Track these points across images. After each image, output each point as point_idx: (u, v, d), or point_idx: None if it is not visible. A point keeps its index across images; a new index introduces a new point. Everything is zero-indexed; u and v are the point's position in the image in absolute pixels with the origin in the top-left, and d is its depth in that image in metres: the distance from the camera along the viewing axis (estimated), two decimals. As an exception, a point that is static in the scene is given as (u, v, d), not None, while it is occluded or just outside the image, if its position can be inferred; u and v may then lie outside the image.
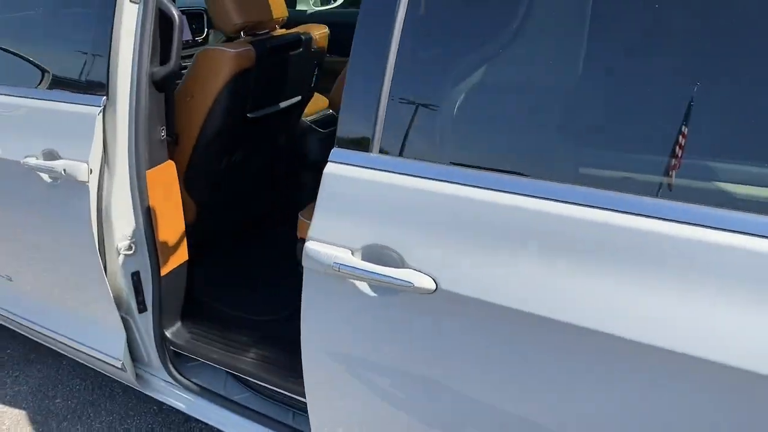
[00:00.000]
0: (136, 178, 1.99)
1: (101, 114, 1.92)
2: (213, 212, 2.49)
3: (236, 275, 2.59)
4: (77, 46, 1.95)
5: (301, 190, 2.94)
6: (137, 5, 1.89)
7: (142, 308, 2.16)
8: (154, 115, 1.98)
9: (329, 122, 2.93)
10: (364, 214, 1.29)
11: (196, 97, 2.17)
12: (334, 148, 1.35)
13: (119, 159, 1.98)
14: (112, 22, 1.88)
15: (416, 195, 1.23)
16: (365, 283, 1.29)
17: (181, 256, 2.21)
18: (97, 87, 1.92)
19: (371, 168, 1.29)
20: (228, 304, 2.41)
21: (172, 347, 2.23)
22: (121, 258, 2.08)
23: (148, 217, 2.04)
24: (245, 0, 2.19)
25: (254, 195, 2.78)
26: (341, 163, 1.33)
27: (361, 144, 1.32)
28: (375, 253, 1.27)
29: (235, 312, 2.37)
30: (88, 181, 1.94)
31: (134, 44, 1.90)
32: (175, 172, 2.11)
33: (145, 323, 2.18)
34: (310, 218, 2.18)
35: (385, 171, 1.28)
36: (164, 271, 2.14)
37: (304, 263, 1.35)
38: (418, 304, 1.22)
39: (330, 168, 1.34)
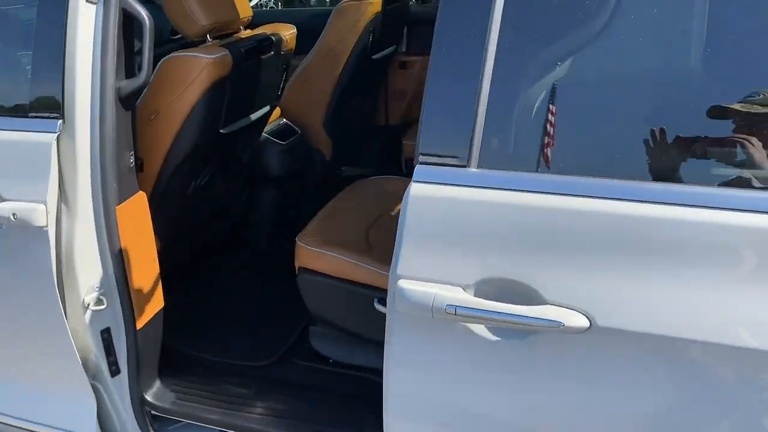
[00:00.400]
0: (104, 216, 1.64)
1: (57, 141, 1.55)
2: (179, 245, 2.14)
3: (214, 314, 2.25)
4: (21, 59, 1.56)
5: (268, 209, 2.63)
6: (95, 5, 1.54)
7: (114, 370, 1.80)
8: (122, 138, 1.64)
9: (286, 133, 2.64)
10: (473, 243, 1.07)
11: (163, 113, 1.83)
12: (418, 166, 1.12)
13: (81, 195, 1.62)
14: (65, 28, 1.52)
15: (542, 215, 1.03)
16: (481, 325, 1.07)
17: (158, 302, 1.87)
18: (50, 108, 1.55)
19: (473, 186, 1.08)
20: (210, 350, 2.08)
21: (153, 412, 1.88)
22: (88, 314, 1.71)
23: (120, 262, 1.69)
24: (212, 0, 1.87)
25: (221, 220, 2.44)
26: (431, 182, 1.11)
27: (455, 158, 1.10)
28: (494, 289, 1.06)
29: (222, 359, 2.05)
30: (47, 226, 1.57)
31: (94, 54, 1.55)
32: (147, 204, 1.76)
33: (118, 388, 1.82)
34: (311, 244, 1.93)
35: (492, 188, 1.07)
36: (140, 324, 1.79)
37: (397, 308, 1.12)
38: (563, 345, 1.03)
39: (417, 190, 1.11)
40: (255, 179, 2.55)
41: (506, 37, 1.06)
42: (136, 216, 1.73)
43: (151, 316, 1.85)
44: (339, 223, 2.00)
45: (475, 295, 1.07)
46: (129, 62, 1.63)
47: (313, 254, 1.84)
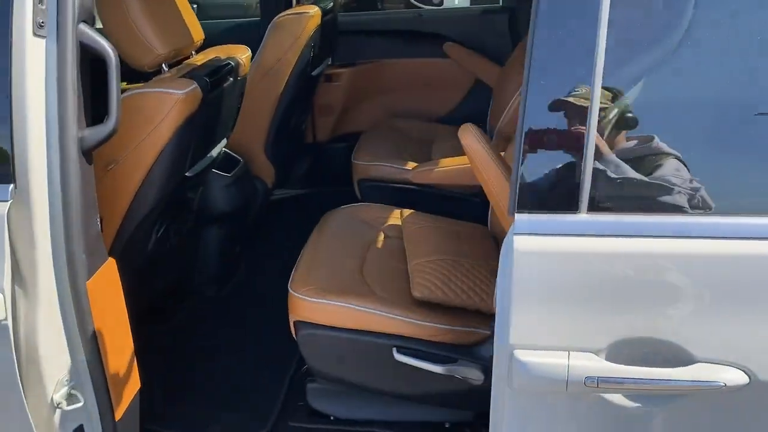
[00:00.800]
0: (72, 296, 1.34)
1: (9, 211, 1.24)
2: (137, 308, 1.83)
3: (187, 382, 1.96)
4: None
5: (215, 251, 2.34)
6: (45, 39, 1.24)
7: (90, 474, 1.49)
8: (89, 199, 1.34)
9: (229, 162, 2.36)
10: (600, 300, 0.94)
11: (124, 162, 1.52)
12: (518, 215, 0.97)
13: (42, 274, 1.31)
14: (9, 68, 1.21)
15: (685, 262, 0.91)
16: (619, 394, 0.94)
17: (134, 384, 1.58)
18: (-2, 171, 1.24)
19: (592, 235, 0.95)
20: (195, 428, 1.80)
21: None
22: (57, 415, 1.40)
23: (93, 348, 1.40)
24: (166, 23, 1.59)
25: (179, 270, 2.13)
26: (537, 234, 0.96)
27: (560, 202, 0.96)
28: (631, 351, 0.93)
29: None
30: (5, 319, 1.25)
31: (48, 99, 1.25)
32: (116, 270, 1.47)
33: (95, 494, 1.51)
34: (309, 295, 1.70)
35: (616, 236, 0.94)
36: (119, 413, 1.50)
37: (515, 384, 0.96)
38: (717, 404, 0.92)
39: (522, 244, 0.96)
40: (201, 219, 2.26)
41: (615, 63, 0.94)
42: (109, 288, 1.44)
43: (129, 401, 1.55)
44: (329, 266, 1.79)
45: (607, 359, 0.94)
46: (88, 105, 1.34)
47: (315, 306, 1.63)
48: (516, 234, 0.97)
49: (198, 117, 1.61)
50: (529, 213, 0.97)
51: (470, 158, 1.36)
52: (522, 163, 0.97)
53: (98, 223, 1.39)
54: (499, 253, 1.89)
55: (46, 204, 1.28)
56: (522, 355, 0.95)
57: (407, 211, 2.07)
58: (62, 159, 1.27)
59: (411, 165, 2.48)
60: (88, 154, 1.34)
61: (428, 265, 1.76)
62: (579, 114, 0.95)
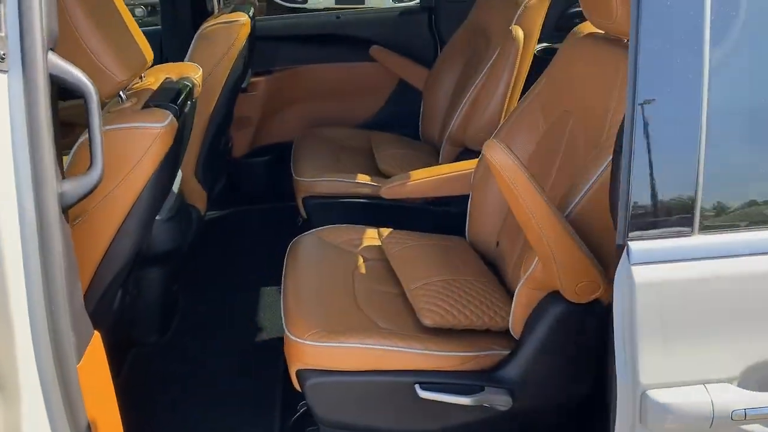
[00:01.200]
0: (61, 385, 1.10)
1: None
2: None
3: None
4: None
5: (154, 294, 2.07)
6: (7, 74, 0.99)
7: None
8: (72, 265, 1.10)
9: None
10: (728, 325, 0.89)
11: (94, 214, 1.25)
12: (632, 243, 0.90)
13: (22, 363, 1.06)
14: (-35, 115, 0.95)
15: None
16: (758, 423, 0.90)
17: (126, 471, 1.34)
18: (-40, 246, 0.96)
19: (711, 257, 0.90)
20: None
21: None
22: None
23: (87, 441, 1.16)
24: (121, 44, 1.33)
25: (129, 321, 1.85)
26: (656, 262, 0.89)
27: (672, 224, 0.90)
28: (765, 375, 0.89)
29: None
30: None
31: (16, 148, 1.00)
32: (102, 346, 1.23)
33: None
34: (315, 339, 1.52)
35: (736, 256, 0.89)
36: None
37: (650, 427, 0.88)
38: None
39: (642, 275, 0.88)
40: (145, 261, 1.99)
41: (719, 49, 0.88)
42: (99, 368, 1.20)
43: (124, 493, 1.31)
44: (322, 303, 1.62)
45: (740, 386, 0.89)
46: (60, 152, 1.09)
47: (325, 351, 1.46)
48: (634, 264, 0.89)
49: (172, 151, 1.38)
50: (643, 240, 0.90)
51: (501, 180, 1.26)
52: (635, 188, 0.89)
53: (81, 291, 1.15)
54: (485, 265, 1.86)
55: (21, 276, 1.02)
56: (657, 395, 0.87)
57: (384, 231, 1.94)
58: (40, 221, 1.02)
59: (362, 178, 2.35)
60: (66, 211, 1.09)
61: (428, 288, 1.65)
62: (688, 126, 0.89)
